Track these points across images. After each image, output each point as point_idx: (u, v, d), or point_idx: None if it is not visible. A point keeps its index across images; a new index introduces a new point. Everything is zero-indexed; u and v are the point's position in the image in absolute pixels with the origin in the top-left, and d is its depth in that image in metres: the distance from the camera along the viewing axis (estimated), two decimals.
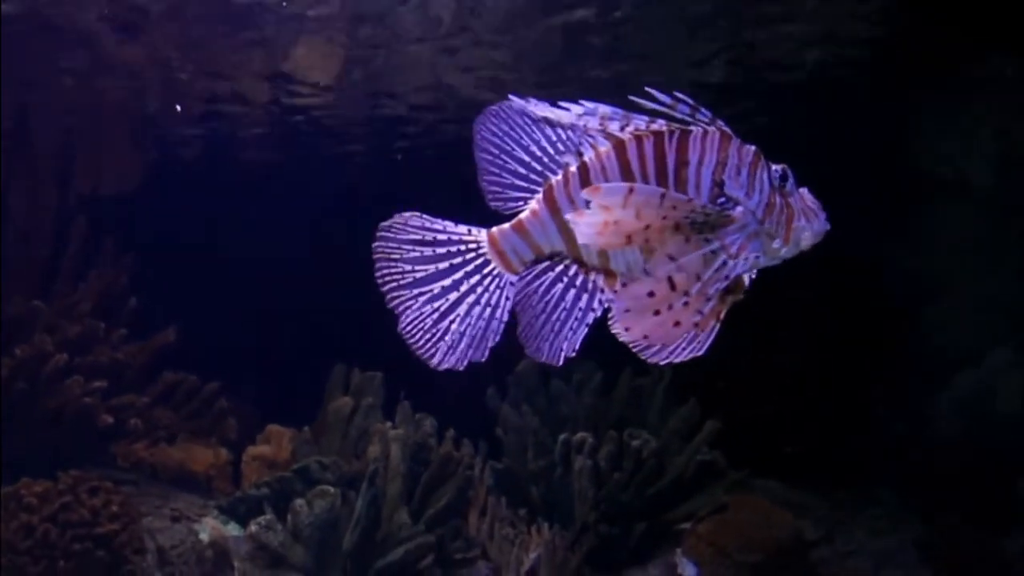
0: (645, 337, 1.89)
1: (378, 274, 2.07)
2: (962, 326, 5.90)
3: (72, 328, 5.92)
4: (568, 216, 1.86)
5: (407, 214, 2.06)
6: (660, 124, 1.92)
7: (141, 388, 6.13)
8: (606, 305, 1.99)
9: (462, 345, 2.02)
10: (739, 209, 1.90)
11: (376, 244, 2.06)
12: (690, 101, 1.89)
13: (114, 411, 5.81)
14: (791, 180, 1.95)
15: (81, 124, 6.55)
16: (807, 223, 1.94)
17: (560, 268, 2.02)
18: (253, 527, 4.87)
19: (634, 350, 1.91)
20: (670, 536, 5.22)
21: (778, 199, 1.92)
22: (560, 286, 2.02)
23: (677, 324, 1.87)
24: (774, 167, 1.95)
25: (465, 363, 2.04)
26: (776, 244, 1.92)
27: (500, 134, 2.02)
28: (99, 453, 5.82)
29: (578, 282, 2.01)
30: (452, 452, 5.15)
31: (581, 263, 2.00)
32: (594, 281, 2.00)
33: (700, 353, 1.90)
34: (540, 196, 1.98)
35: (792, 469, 5.96)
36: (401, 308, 2.05)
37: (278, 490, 5.15)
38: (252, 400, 6.60)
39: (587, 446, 5.08)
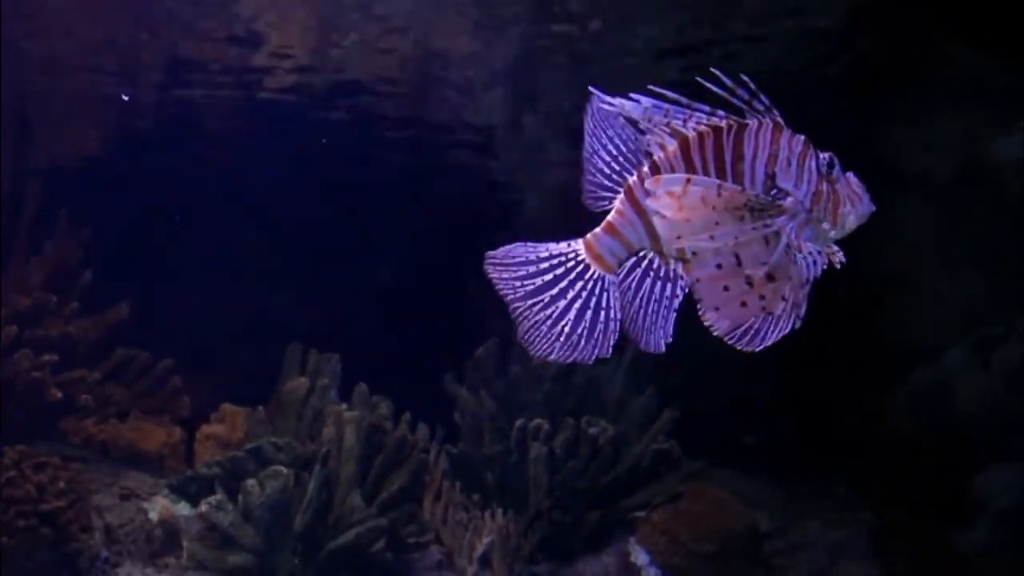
0: (735, 328, 2.07)
1: (499, 290, 2.22)
2: (920, 323, 5.93)
3: (23, 300, 5.81)
4: (647, 202, 2.01)
5: (510, 245, 2.21)
6: (720, 116, 2.06)
7: (93, 363, 6.02)
8: (686, 290, 2.15)
9: (581, 344, 2.17)
10: (789, 200, 2.05)
11: (487, 268, 2.22)
12: (751, 85, 2.04)
13: (64, 386, 5.71)
14: (837, 167, 2.10)
15: (36, 90, 6.40)
16: (852, 208, 2.09)
17: (645, 263, 2.17)
18: (203, 507, 4.82)
19: (727, 340, 2.08)
20: (624, 524, 5.22)
21: (825, 187, 2.08)
22: (648, 280, 2.17)
23: (765, 312, 2.07)
24: (821, 155, 2.09)
25: (592, 358, 2.19)
26: (826, 226, 2.09)
27: (593, 133, 2.18)
28: (48, 428, 5.71)
29: (662, 273, 2.16)
30: (407, 435, 5.11)
31: (661, 254, 2.15)
32: (674, 270, 2.15)
33: (787, 331, 2.08)
34: (622, 196, 2.13)
35: (749, 460, 5.98)
36: (519, 319, 2.21)
37: (230, 470, 5.09)
38: (207, 378, 6.50)
39: (543, 432, 5.06)
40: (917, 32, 5.46)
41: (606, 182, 2.15)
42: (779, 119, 2.08)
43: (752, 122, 2.06)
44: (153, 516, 5.23)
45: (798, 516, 5.82)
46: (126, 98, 6.65)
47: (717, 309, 2.07)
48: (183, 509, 5.26)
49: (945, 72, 5.66)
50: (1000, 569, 5.35)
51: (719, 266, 2.05)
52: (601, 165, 2.15)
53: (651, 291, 2.15)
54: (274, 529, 4.68)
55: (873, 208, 2.12)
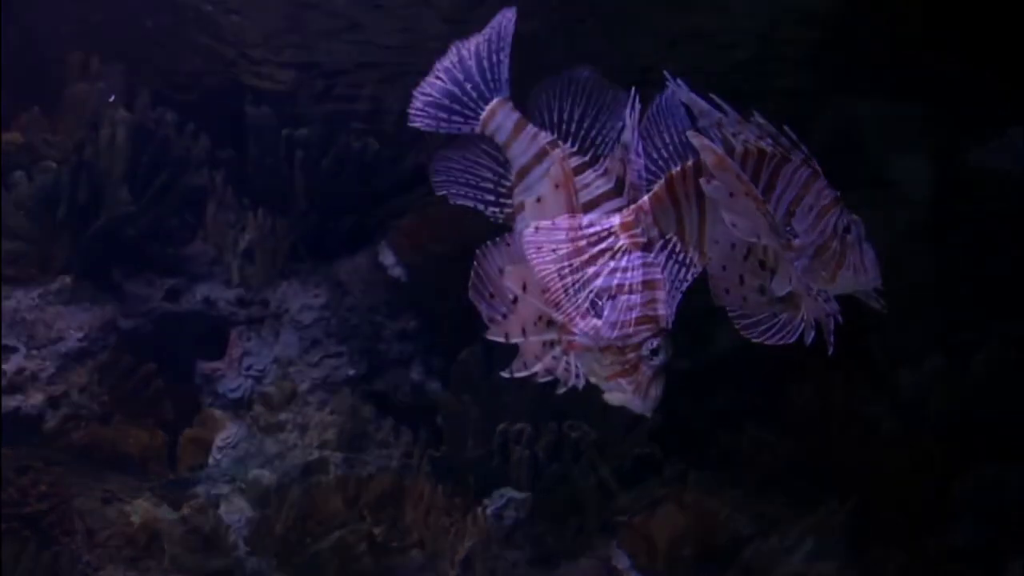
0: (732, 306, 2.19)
1: (533, 260, 2.21)
2: (900, 329, 5.97)
3: (6, 303, 5.80)
4: (705, 185, 2.06)
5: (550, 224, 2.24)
6: (767, 142, 2.12)
7: (77, 366, 6.01)
8: (695, 277, 2.22)
9: (599, 312, 2.19)
10: (796, 241, 2.12)
11: (527, 240, 2.20)
12: (793, 135, 2.10)
13: (47, 389, 5.70)
14: (855, 233, 2.15)
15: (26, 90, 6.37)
16: (854, 275, 2.16)
17: (669, 245, 2.21)
18: (186, 510, 4.84)
19: (729, 315, 2.20)
20: (606, 529, 5.24)
21: (835, 245, 2.14)
22: (669, 262, 2.22)
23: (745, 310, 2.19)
24: (846, 217, 2.15)
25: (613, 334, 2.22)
26: (824, 275, 2.15)
27: (648, 123, 2.22)
28: (31, 432, 5.70)
29: (680, 257, 2.21)
30: (389, 439, 5.14)
31: (683, 240, 2.21)
32: (691, 257, 2.20)
33: (790, 340, 2.15)
34: (662, 184, 2.17)
35: (730, 465, 6.00)
36: (550, 285, 2.20)
37: (214, 474, 5.11)
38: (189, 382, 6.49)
39: (526, 436, 5.09)
40: (896, 37, 5.49)
41: (651, 166, 2.21)
42: (817, 168, 2.14)
43: (795, 159, 2.12)
44: (135, 519, 5.22)
45: (779, 521, 5.84)
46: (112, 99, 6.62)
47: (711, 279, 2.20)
48: (165, 513, 5.26)
49: (925, 78, 5.70)
50: (981, 573, 5.39)
51: (733, 246, 2.15)
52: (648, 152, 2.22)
53: (666, 272, 2.21)
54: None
55: (878, 283, 2.19)
